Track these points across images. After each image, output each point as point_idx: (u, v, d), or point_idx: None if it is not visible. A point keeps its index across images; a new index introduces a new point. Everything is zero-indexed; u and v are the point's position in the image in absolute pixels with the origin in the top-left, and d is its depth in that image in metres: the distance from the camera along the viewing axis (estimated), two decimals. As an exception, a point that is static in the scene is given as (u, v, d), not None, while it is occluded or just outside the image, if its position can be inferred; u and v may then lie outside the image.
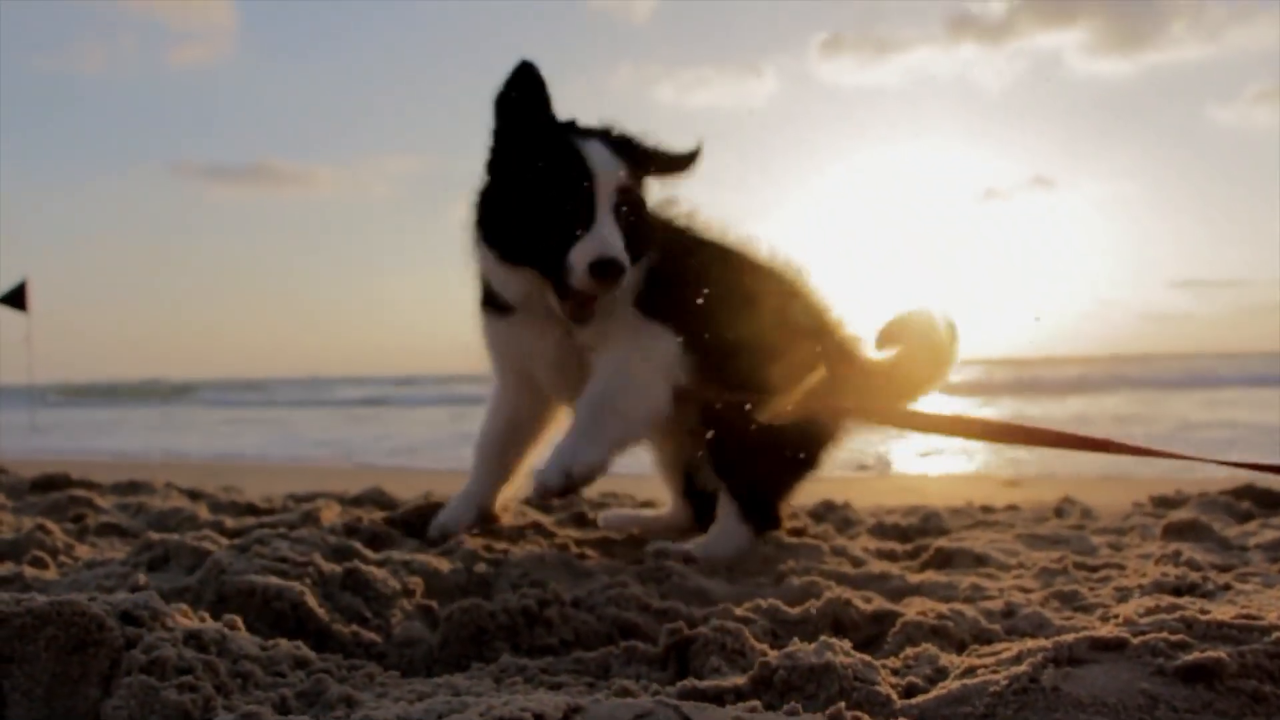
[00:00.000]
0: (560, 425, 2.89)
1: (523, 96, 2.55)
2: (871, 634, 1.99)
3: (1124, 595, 2.17)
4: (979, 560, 2.72)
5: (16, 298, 13.84)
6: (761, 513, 2.81)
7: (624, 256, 2.43)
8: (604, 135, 2.60)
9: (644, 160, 2.65)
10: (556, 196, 2.48)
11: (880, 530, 3.40)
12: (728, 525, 2.76)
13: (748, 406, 2.53)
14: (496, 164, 2.64)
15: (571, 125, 2.60)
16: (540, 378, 2.80)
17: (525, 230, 2.54)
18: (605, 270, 2.40)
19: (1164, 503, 3.89)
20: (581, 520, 3.60)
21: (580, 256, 2.42)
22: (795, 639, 1.65)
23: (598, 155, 2.51)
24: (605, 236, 2.43)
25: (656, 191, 2.71)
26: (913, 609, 2.03)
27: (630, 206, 2.54)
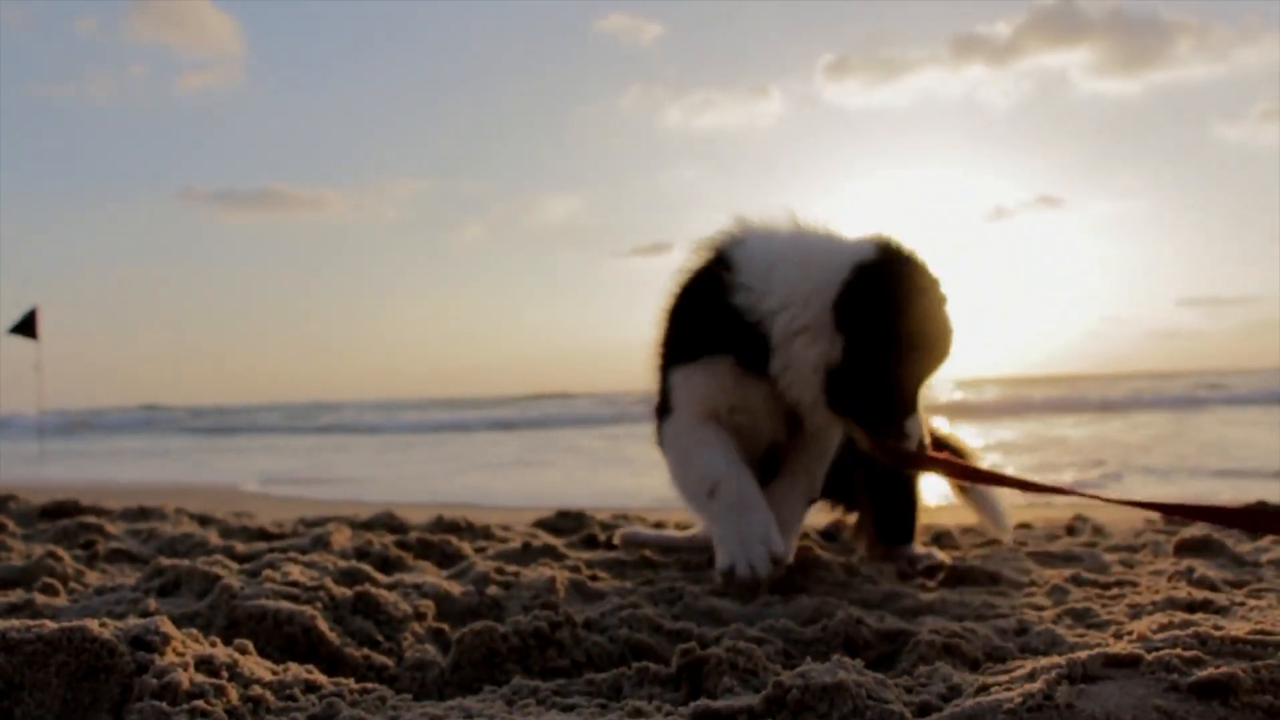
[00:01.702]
0: None
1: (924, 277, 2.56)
2: (884, 653, 1.98)
3: (1137, 612, 2.16)
4: (991, 578, 2.71)
5: (27, 326, 13.92)
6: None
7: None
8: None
9: None
10: (915, 373, 2.56)
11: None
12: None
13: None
14: (865, 326, 2.49)
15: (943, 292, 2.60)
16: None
17: (882, 395, 2.54)
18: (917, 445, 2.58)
19: (1176, 520, 3.87)
20: (592, 542, 3.60)
21: (913, 429, 2.57)
22: (808, 658, 1.64)
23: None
24: (924, 417, 2.62)
25: None
26: (925, 627, 2.02)
27: None
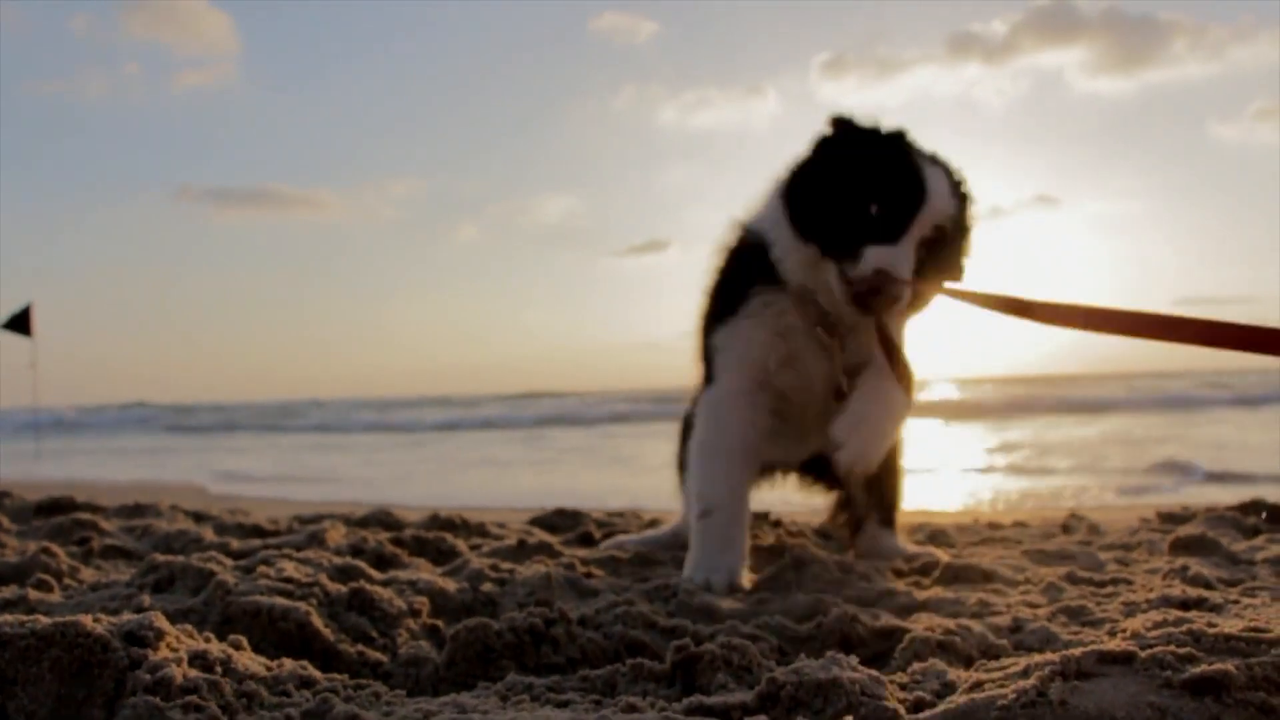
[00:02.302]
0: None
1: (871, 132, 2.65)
2: (879, 650, 1.98)
3: (1131, 610, 2.16)
4: (986, 576, 2.71)
5: (21, 322, 13.88)
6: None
7: (904, 283, 2.50)
8: (946, 172, 2.65)
9: (965, 218, 2.72)
10: (880, 198, 2.54)
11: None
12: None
13: None
14: (833, 158, 2.66)
15: (918, 150, 2.64)
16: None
17: (837, 213, 2.58)
18: (883, 281, 2.49)
19: (1171, 518, 3.88)
20: (588, 540, 3.60)
21: (872, 257, 2.50)
22: (802, 655, 1.64)
23: (936, 184, 2.57)
24: (899, 255, 2.51)
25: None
26: (920, 625, 2.02)
27: (938, 248, 2.60)
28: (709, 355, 2.84)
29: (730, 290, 2.81)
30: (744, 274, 2.78)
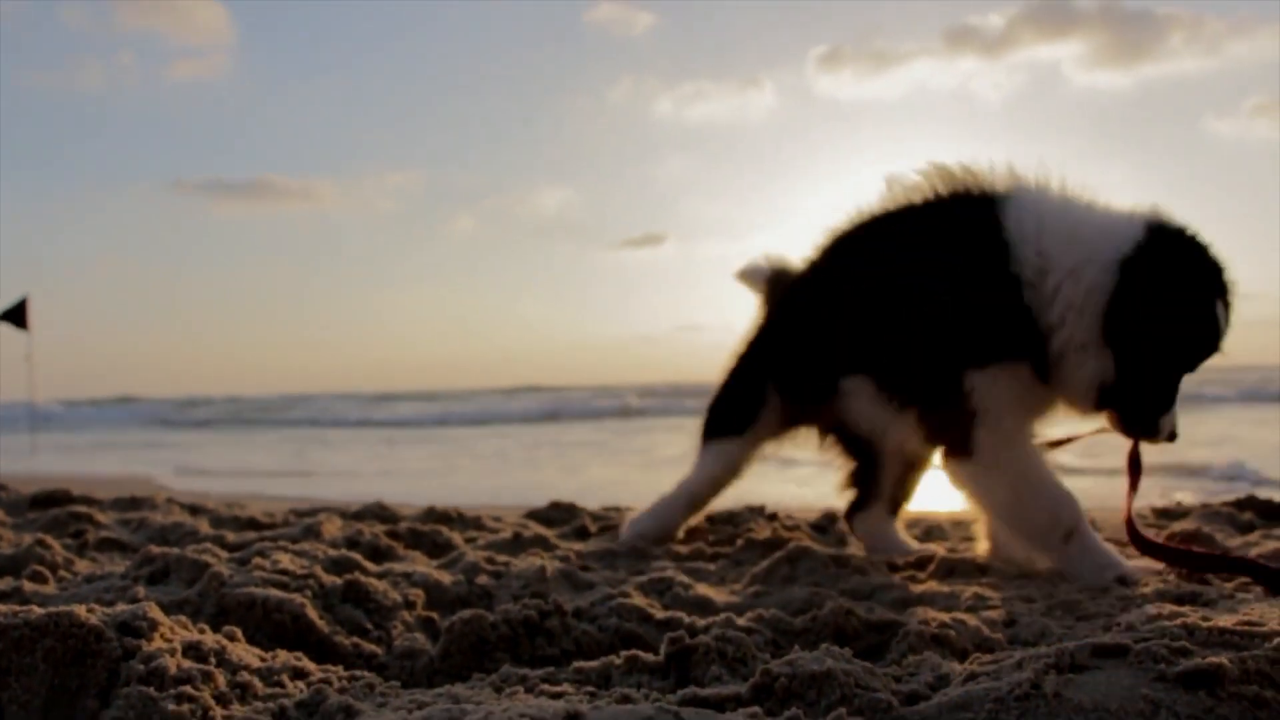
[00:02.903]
0: None
1: (1199, 270, 2.52)
2: (874, 643, 1.99)
3: (1126, 604, 2.16)
4: (981, 570, 2.71)
5: (17, 315, 13.84)
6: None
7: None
8: None
9: None
10: (1188, 366, 2.55)
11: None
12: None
13: None
14: (1134, 339, 2.47)
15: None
16: None
17: (1147, 380, 2.53)
18: (1170, 441, 2.62)
19: (1166, 514, 3.88)
20: (583, 533, 3.60)
21: (1166, 428, 2.59)
22: (797, 648, 1.64)
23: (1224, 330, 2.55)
24: (1176, 415, 2.60)
25: None
26: (915, 618, 2.02)
27: None
28: (960, 388, 2.59)
29: (981, 315, 2.59)
30: (1001, 301, 2.56)
